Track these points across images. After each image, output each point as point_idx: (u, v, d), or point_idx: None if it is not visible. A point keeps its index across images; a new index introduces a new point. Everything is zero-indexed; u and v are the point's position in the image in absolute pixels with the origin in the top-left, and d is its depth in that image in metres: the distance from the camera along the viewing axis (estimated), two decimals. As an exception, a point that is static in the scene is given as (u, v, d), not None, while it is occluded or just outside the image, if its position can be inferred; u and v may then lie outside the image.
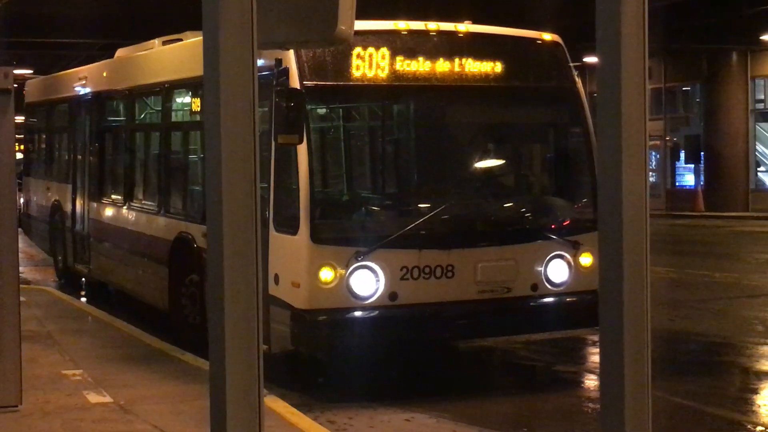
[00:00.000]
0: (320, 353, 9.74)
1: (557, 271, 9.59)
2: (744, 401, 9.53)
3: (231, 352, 2.72)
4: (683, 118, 36.09)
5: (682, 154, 34.91)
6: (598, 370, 10.41)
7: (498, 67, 9.78)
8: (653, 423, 2.60)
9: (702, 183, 33.22)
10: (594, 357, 11.25)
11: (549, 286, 9.57)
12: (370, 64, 9.20)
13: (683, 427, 8.32)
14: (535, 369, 11.09)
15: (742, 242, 24.80)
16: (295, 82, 8.91)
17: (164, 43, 13.10)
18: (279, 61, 8.90)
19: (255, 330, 2.75)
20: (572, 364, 11.19)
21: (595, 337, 11.33)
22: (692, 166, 34.14)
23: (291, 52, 8.89)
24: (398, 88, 9.53)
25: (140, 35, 14.80)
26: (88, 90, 15.08)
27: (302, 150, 8.80)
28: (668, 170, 34.92)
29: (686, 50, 32.31)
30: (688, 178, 35.07)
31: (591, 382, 10.31)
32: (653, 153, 34.47)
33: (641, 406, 2.45)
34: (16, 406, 7.96)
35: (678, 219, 29.24)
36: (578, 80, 10.13)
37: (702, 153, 33.24)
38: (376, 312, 9.01)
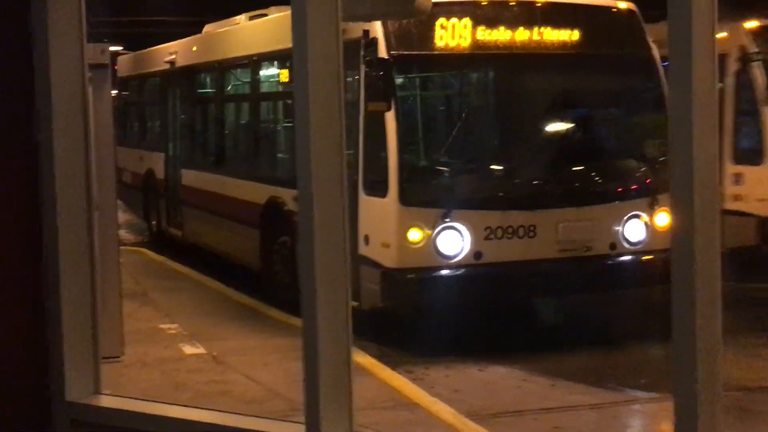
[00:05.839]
0: (409, 309, 9.75)
1: (634, 230, 9.49)
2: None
3: (322, 307, 2.75)
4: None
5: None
6: (667, 328, 10.26)
7: (575, 35, 9.67)
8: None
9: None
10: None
11: (626, 245, 9.48)
12: (452, 34, 9.14)
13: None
14: (606, 325, 10.98)
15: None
16: (383, 52, 8.91)
17: (250, 18, 13.14)
18: (367, 33, 8.90)
19: (344, 286, 2.77)
20: (642, 320, 11.04)
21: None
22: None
23: (378, 24, 8.89)
24: (480, 56, 9.47)
25: (225, 12, 14.82)
26: (178, 63, 15.19)
27: (390, 117, 8.80)
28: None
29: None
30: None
31: (660, 337, 10.19)
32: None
33: (713, 360, 2.42)
34: (119, 357, 8.15)
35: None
36: (653, 46, 9.95)
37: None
38: (462, 270, 9.02)
